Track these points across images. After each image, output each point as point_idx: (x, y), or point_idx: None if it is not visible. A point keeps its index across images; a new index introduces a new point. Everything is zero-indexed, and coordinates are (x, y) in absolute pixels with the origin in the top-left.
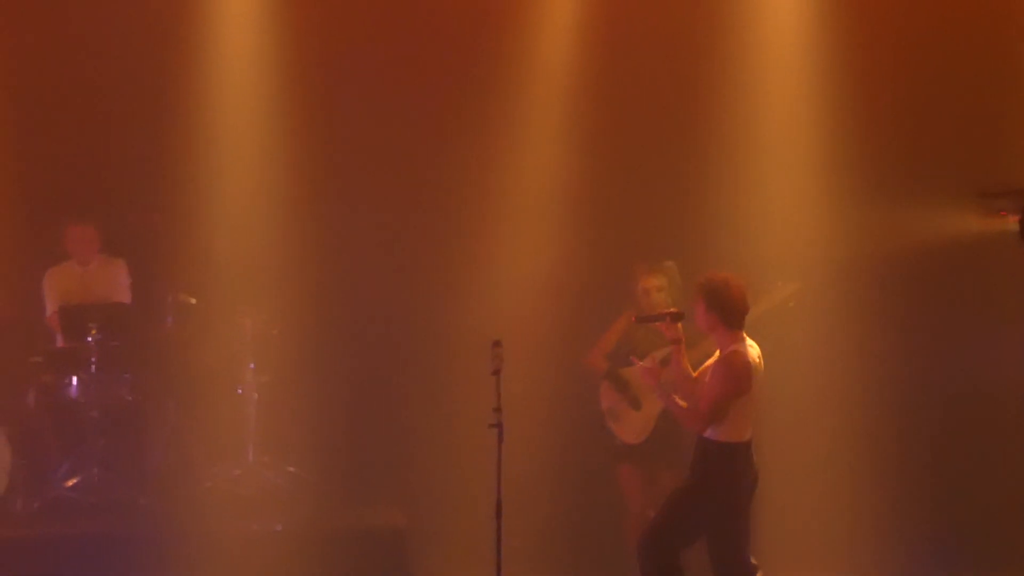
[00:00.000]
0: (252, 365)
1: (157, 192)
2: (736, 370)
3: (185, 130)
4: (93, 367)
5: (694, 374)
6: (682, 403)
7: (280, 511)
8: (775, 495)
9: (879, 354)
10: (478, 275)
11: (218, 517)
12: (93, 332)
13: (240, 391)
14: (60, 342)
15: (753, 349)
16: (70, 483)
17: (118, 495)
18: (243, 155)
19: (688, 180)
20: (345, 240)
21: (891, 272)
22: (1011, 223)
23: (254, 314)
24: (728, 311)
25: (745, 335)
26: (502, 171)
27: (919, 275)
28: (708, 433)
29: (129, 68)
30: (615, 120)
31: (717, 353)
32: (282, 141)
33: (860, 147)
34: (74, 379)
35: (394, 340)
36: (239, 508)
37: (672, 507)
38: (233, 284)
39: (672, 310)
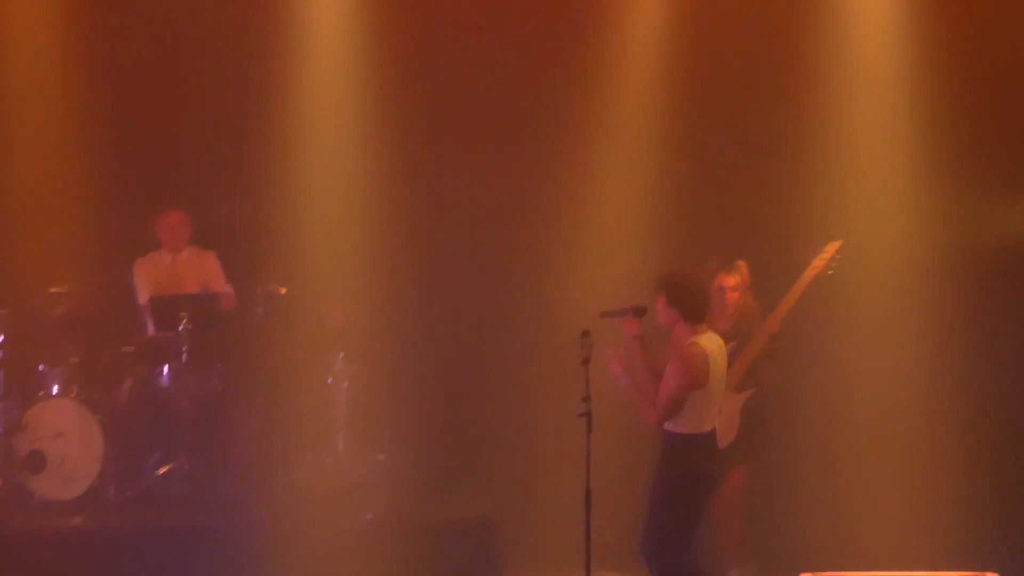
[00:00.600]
0: (341, 355)
1: (247, 183)
2: (692, 363)
3: (276, 121)
4: (184, 357)
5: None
6: (643, 393)
7: (370, 501)
8: (858, 488)
9: (967, 346)
10: (567, 265)
11: (308, 507)
12: (184, 322)
13: (330, 381)
14: (151, 332)
15: (713, 342)
16: (161, 472)
17: (208, 485)
18: (334, 146)
19: (773, 177)
20: (435, 231)
21: (979, 266)
22: None
23: (344, 304)
24: (689, 306)
25: (706, 328)
26: (591, 165)
27: (1006, 270)
28: (669, 426)
29: (221, 59)
30: (703, 117)
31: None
32: (373, 131)
33: (951, 142)
34: (165, 369)
35: (483, 330)
36: (329, 498)
37: (656, 509)
38: (323, 274)
39: (634, 304)
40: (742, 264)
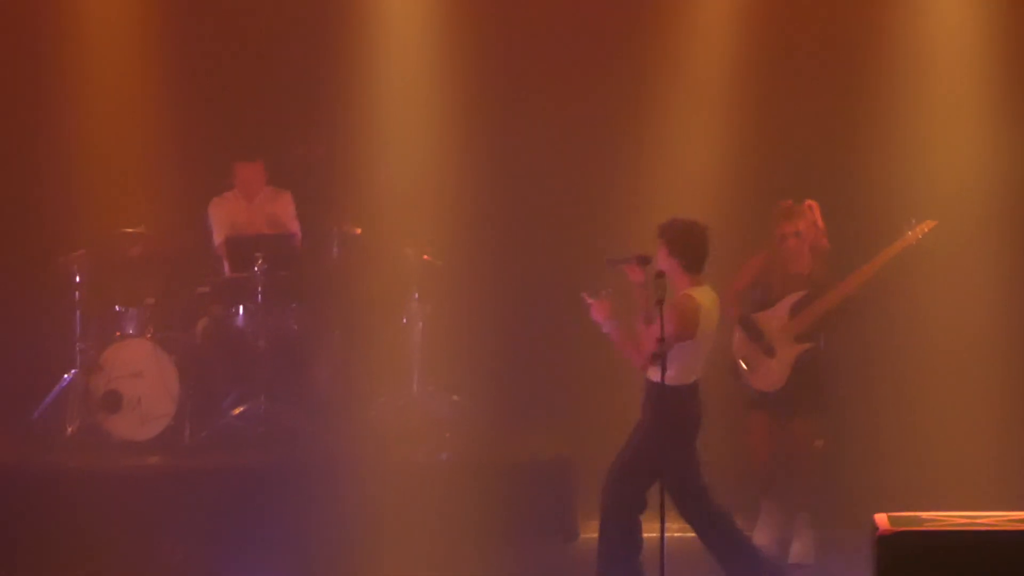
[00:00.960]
0: (416, 295)
1: (322, 123)
2: (684, 313)
3: (348, 60)
4: (260, 297)
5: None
6: (633, 338)
7: (445, 440)
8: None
9: None
10: (642, 204)
11: (383, 446)
12: (259, 262)
13: (404, 321)
14: (227, 272)
15: (707, 296)
16: (237, 412)
17: (284, 424)
18: (407, 84)
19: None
20: (509, 170)
21: None
22: None
23: (418, 244)
24: (690, 256)
25: (704, 280)
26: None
27: None
28: (653, 375)
29: (299, 2)
30: (778, 86)
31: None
32: (445, 68)
33: None
34: (241, 309)
35: (558, 269)
36: (404, 437)
37: (629, 449)
38: (398, 214)
39: (639, 253)
40: (809, 206)
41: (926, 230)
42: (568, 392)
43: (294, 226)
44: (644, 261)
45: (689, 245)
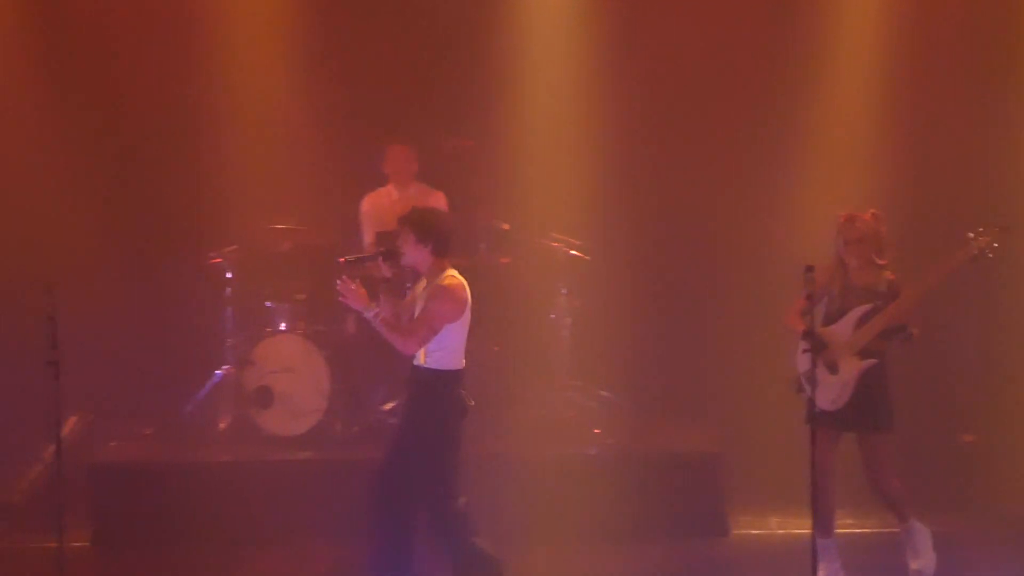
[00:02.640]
0: (564, 290)
1: (470, 119)
2: (456, 294)
3: (497, 55)
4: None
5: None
6: (396, 326)
7: (594, 436)
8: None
9: None
10: (790, 201)
11: (533, 441)
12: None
13: (553, 316)
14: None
15: (462, 278)
16: (387, 407)
17: None
18: (556, 79)
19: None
20: (658, 164)
21: None
22: None
23: (566, 239)
24: (438, 241)
25: (449, 263)
26: (813, 105)
27: None
28: (427, 362)
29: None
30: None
31: (423, 283)
32: (594, 63)
33: None
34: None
35: (706, 265)
36: (553, 433)
37: (398, 443)
38: (546, 209)
39: (383, 248)
40: (873, 215)
41: (994, 236)
42: (718, 386)
43: None
44: (390, 255)
45: (435, 230)
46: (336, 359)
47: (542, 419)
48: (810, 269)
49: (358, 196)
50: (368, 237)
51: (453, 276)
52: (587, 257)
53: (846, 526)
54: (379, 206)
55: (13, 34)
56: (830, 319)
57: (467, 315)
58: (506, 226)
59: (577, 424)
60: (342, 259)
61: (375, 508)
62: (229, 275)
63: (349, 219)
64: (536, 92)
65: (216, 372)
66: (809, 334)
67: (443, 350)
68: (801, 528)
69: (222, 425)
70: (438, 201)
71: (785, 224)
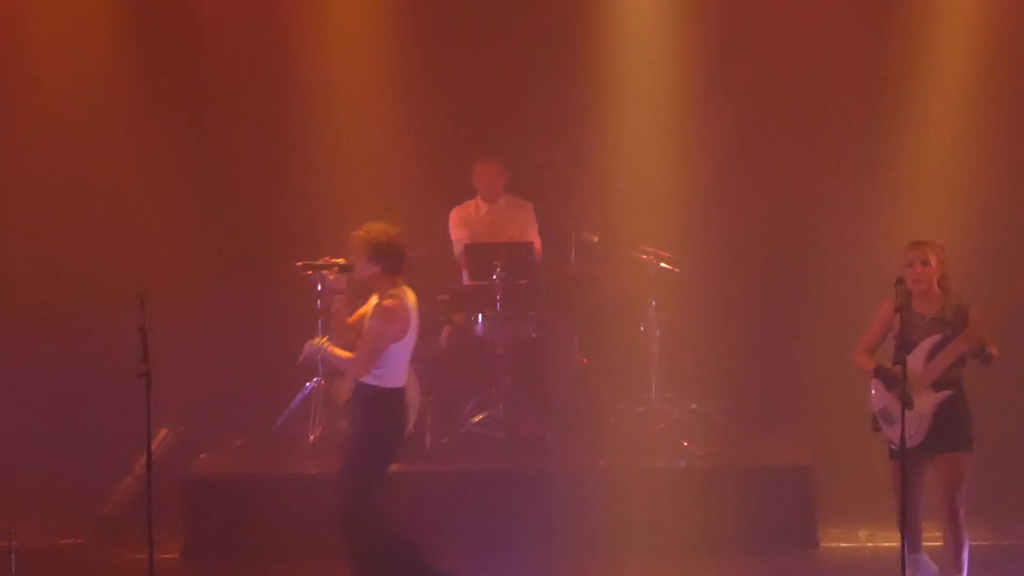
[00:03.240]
0: (654, 303)
1: (561, 131)
2: (396, 315)
3: (590, 68)
4: (498, 305)
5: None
6: (342, 353)
7: (683, 448)
8: None
9: None
10: (885, 213)
11: (623, 453)
12: (498, 270)
13: (642, 328)
14: (466, 280)
15: (410, 295)
16: (477, 419)
17: (524, 431)
18: (645, 93)
19: None
20: (748, 176)
21: None
22: None
23: (656, 252)
24: (389, 259)
25: (404, 282)
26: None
27: None
28: (369, 379)
29: (538, 10)
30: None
31: (375, 299)
32: (680, 78)
33: None
34: (480, 317)
35: (796, 277)
36: (643, 445)
37: (350, 465)
38: (635, 221)
39: (339, 260)
40: (941, 246)
41: None
42: (807, 398)
43: (534, 236)
44: (345, 269)
45: (387, 249)
46: (426, 371)
47: (631, 432)
48: (901, 281)
49: (452, 206)
50: (457, 248)
51: (396, 296)
52: (677, 270)
53: (936, 539)
54: (468, 218)
55: (109, 45)
56: (897, 349)
57: (411, 335)
58: (596, 238)
59: (667, 437)
60: (299, 263)
61: (342, 530)
62: (319, 287)
63: (444, 229)
64: (627, 104)
65: (307, 384)
66: (880, 371)
67: (384, 368)
68: (890, 541)
69: (312, 437)
70: (527, 211)
71: (879, 236)
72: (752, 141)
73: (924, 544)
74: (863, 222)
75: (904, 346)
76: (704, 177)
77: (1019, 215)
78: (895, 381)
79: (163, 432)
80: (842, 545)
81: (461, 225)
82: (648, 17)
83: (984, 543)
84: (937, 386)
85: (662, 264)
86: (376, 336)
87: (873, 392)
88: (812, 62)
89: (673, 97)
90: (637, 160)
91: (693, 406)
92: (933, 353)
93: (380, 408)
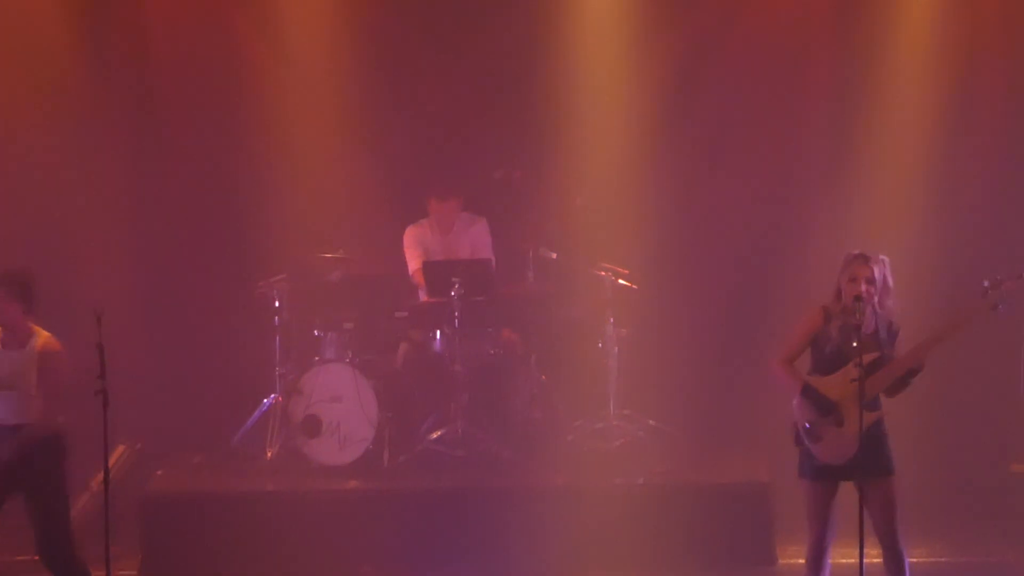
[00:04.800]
0: (612, 320)
1: (519, 148)
2: (64, 354)
3: (548, 86)
4: (457, 322)
5: None
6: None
7: (642, 465)
8: None
9: None
10: (840, 232)
11: (581, 470)
12: (456, 287)
13: (600, 345)
14: (423, 298)
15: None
16: (435, 436)
17: (482, 448)
18: (603, 111)
19: None
20: (704, 193)
21: None
22: None
23: (614, 268)
24: (29, 299)
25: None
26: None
27: None
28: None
29: (494, 31)
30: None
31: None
32: (640, 90)
33: None
34: (438, 334)
35: (752, 294)
36: (601, 462)
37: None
38: (593, 239)
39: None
40: (881, 259)
41: (1015, 287)
42: (765, 415)
43: (488, 253)
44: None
45: (27, 289)
46: (384, 388)
47: (589, 449)
48: (859, 299)
49: (408, 223)
50: (412, 266)
51: (52, 336)
52: (635, 287)
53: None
54: (422, 237)
55: (63, 56)
56: (826, 362)
57: None
58: (554, 255)
59: (625, 454)
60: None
61: None
62: (277, 303)
63: (397, 248)
64: (586, 121)
65: (264, 401)
66: (811, 392)
67: (49, 403)
68: (847, 558)
69: (270, 454)
70: (481, 228)
71: (835, 255)
72: (712, 159)
73: (867, 562)
74: (825, 238)
75: (836, 360)
76: (663, 194)
77: (983, 218)
78: (825, 405)
79: (120, 449)
80: (799, 562)
81: (416, 244)
82: (608, 35)
83: (942, 559)
84: (869, 406)
85: (620, 281)
86: (70, 375)
87: (796, 407)
88: (774, 80)
89: (632, 114)
90: (596, 177)
91: (651, 423)
92: (870, 371)
93: (54, 445)
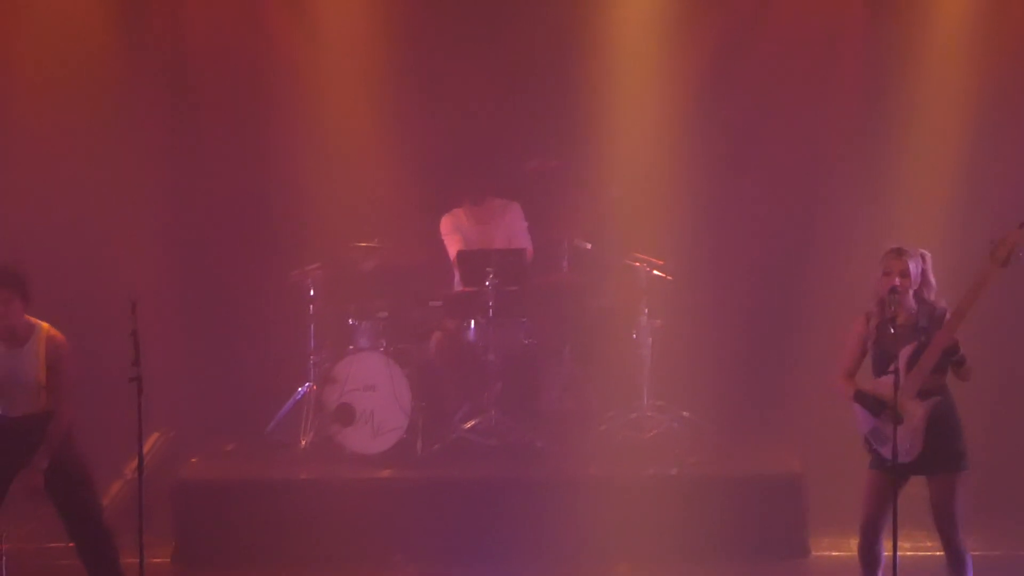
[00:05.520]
0: (646, 310)
1: (554, 138)
2: (67, 343)
3: (584, 76)
4: (491, 312)
5: None
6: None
7: (675, 456)
8: None
9: None
10: (875, 223)
11: (613, 461)
12: (490, 277)
13: (634, 336)
14: (458, 286)
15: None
16: (468, 426)
17: (515, 438)
18: (639, 100)
19: None
20: (740, 184)
21: None
22: None
23: (648, 259)
24: (30, 295)
25: None
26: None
27: None
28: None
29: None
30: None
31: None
32: (678, 82)
33: None
34: (472, 323)
35: (788, 284)
36: (634, 452)
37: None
38: (627, 230)
39: None
40: (921, 254)
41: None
42: (799, 406)
43: (524, 241)
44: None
45: (25, 285)
46: (418, 377)
47: (622, 439)
48: (893, 291)
49: (443, 213)
50: (453, 251)
51: (53, 328)
52: (669, 277)
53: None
54: (458, 226)
55: (103, 52)
56: (878, 363)
57: None
58: (589, 245)
59: (658, 444)
60: None
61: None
62: (312, 292)
63: (431, 238)
64: (621, 112)
65: (298, 390)
66: (861, 396)
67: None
68: (918, 551)
69: (303, 443)
70: (515, 213)
71: (868, 248)
72: (746, 149)
73: (924, 554)
74: (857, 230)
75: (884, 359)
76: (697, 185)
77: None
78: (877, 405)
79: (154, 436)
80: (833, 554)
81: (453, 230)
82: (643, 27)
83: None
84: (923, 395)
85: (655, 272)
86: (72, 371)
87: (858, 415)
88: (807, 70)
89: (667, 105)
90: (630, 167)
91: (684, 414)
92: (912, 362)
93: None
